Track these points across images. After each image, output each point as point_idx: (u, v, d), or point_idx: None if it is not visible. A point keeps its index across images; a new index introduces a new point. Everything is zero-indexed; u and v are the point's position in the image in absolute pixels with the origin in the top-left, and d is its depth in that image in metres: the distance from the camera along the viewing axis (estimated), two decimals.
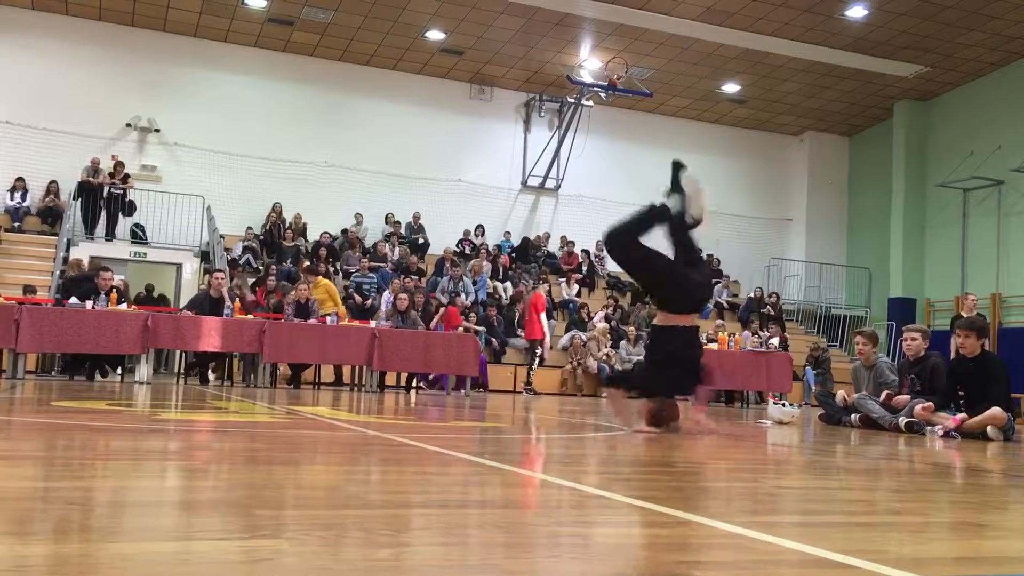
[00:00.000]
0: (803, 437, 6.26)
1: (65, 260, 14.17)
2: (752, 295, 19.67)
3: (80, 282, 11.46)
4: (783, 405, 8.13)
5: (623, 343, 16.13)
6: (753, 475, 3.50)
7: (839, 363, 17.54)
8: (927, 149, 20.31)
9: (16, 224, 16.04)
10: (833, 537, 1.99)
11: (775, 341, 14.43)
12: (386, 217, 18.67)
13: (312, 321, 11.77)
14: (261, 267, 15.99)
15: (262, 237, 17.31)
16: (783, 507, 2.63)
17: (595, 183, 20.58)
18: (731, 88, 19.98)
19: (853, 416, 7.56)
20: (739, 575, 1.57)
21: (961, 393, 6.89)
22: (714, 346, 13.29)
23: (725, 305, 19.68)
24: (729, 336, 13.44)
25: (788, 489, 3.12)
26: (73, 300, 10.50)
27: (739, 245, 21.77)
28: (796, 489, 3.13)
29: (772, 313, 18.88)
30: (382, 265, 17.08)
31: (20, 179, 16.25)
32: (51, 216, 16.28)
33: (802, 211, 22.47)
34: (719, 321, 17.05)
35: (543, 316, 14.78)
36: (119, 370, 11.36)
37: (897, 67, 18.46)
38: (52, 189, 16.37)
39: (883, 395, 7.37)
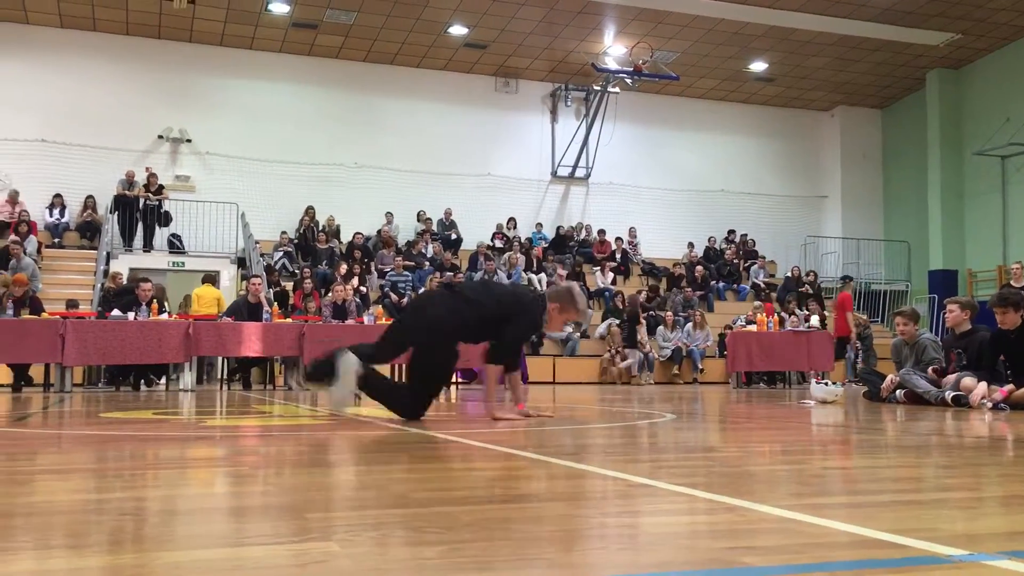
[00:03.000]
0: (848, 416, 6.19)
1: (105, 273, 14.40)
2: (789, 274, 19.48)
3: (121, 294, 11.64)
4: (826, 384, 8.05)
5: (660, 328, 16.05)
6: (798, 457, 3.47)
7: (881, 339, 17.31)
8: (962, 118, 19.97)
9: (56, 240, 16.32)
10: (883, 517, 1.97)
11: (815, 320, 14.26)
12: (418, 215, 18.74)
13: (350, 322, 11.85)
14: (297, 271, 16.12)
15: (297, 241, 17.45)
16: (830, 488, 2.61)
17: (625, 170, 20.50)
18: (758, 66, 19.77)
19: (898, 392, 7.47)
20: (789, 559, 1.55)
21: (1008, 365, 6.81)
22: (752, 327, 13.19)
23: (762, 286, 19.51)
24: (767, 317, 13.32)
25: (835, 470, 3.09)
26: (115, 312, 10.67)
27: (773, 224, 21.58)
28: (843, 469, 3.10)
29: (810, 292, 18.69)
30: (415, 264, 17.12)
31: (58, 195, 16.53)
32: (90, 230, 16.54)
33: (836, 187, 22.20)
34: (757, 302, 16.91)
35: (848, 315, 14.72)
36: (163, 379, 11.54)
37: (927, 36, 18.15)
38: (89, 204, 16.63)
39: (930, 370, 7.27)
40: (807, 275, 19.51)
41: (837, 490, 2.57)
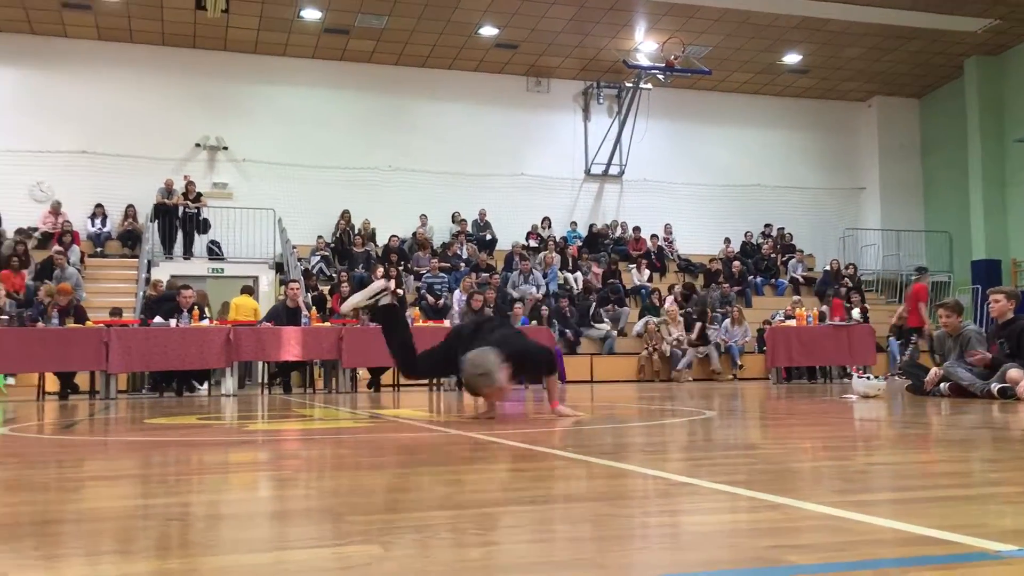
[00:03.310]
0: (891, 410, 6.11)
1: (147, 281, 14.62)
2: (828, 268, 19.27)
3: (162, 302, 11.81)
4: (868, 378, 7.95)
5: (697, 325, 15.95)
6: (842, 453, 3.43)
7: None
8: (1003, 105, 19.61)
9: (98, 249, 16.59)
10: (930, 513, 1.94)
11: (856, 313, 14.08)
12: (452, 216, 18.79)
13: None
14: (334, 274, 16.24)
15: (333, 245, 17.58)
16: (875, 484, 2.58)
17: (659, 166, 20.40)
18: (792, 59, 19.58)
19: (942, 385, 7.36)
20: (835, 557, 1.54)
21: None
22: (792, 322, 13.06)
23: (801, 280, 19.31)
24: (807, 312, 13.18)
25: (880, 465, 3.05)
26: (157, 319, 10.82)
27: (811, 218, 21.37)
28: (888, 465, 3.06)
29: (850, 285, 18.48)
30: (450, 265, 17.16)
31: (99, 205, 16.81)
32: (131, 239, 16.80)
33: (875, 178, 21.91)
34: (796, 297, 16.74)
35: (922, 306, 14.56)
36: (205, 384, 11.68)
37: (965, 22, 17.85)
38: (130, 213, 16.89)
39: (968, 354, 7.17)
40: (846, 268, 19.28)
41: (882, 486, 2.54)
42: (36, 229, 16.31)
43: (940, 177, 21.54)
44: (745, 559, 1.54)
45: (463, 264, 17.39)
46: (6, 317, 10.69)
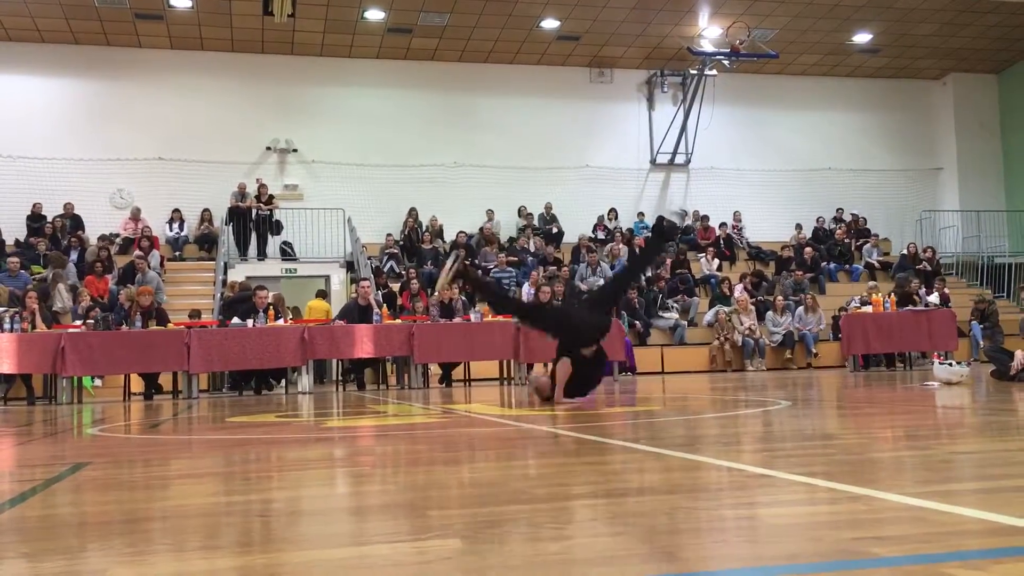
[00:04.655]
0: (975, 397, 5.94)
1: (224, 283, 14.97)
2: (905, 252, 18.77)
3: (238, 303, 12.08)
4: (950, 364, 7.74)
5: (769, 314, 15.71)
6: (924, 442, 3.35)
7: (1008, 315, 16.51)
8: None
9: (177, 253, 17.05)
10: (1018, 503, 1.88)
11: (934, 298, 13.70)
12: (519, 210, 18.82)
13: (457, 320, 12.00)
14: (403, 272, 16.41)
15: (402, 243, 17.76)
16: (960, 474, 2.51)
17: (726, 153, 20.12)
18: (862, 38, 19.09)
19: None
20: (920, 549, 1.51)
21: None
22: (868, 309, 12.78)
23: (876, 265, 18.86)
24: (884, 298, 12.87)
25: (964, 454, 2.97)
26: (235, 320, 11.08)
27: (885, 200, 20.85)
28: (972, 454, 2.98)
29: (928, 268, 17.97)
30: (518, 260, 17.18)
31: (176, 210, 17.26)
32: (207, 242, 17.21)
33: (952, 158, 21.26)
34: (872, 282, 16.35)
35: None
36: (282, 382, 11.93)
37: None
38: (206, 217, 17.30)
39: None
40: (924, 251, 18.76)
41: (967, 476, 2.48)
42: (117, 235, 16.83)
43: (1021, 154, 20.79)
44: (828, 552, 1.52)
45: (530, 258, 17.41)
46: (92, 321, 11.08)
